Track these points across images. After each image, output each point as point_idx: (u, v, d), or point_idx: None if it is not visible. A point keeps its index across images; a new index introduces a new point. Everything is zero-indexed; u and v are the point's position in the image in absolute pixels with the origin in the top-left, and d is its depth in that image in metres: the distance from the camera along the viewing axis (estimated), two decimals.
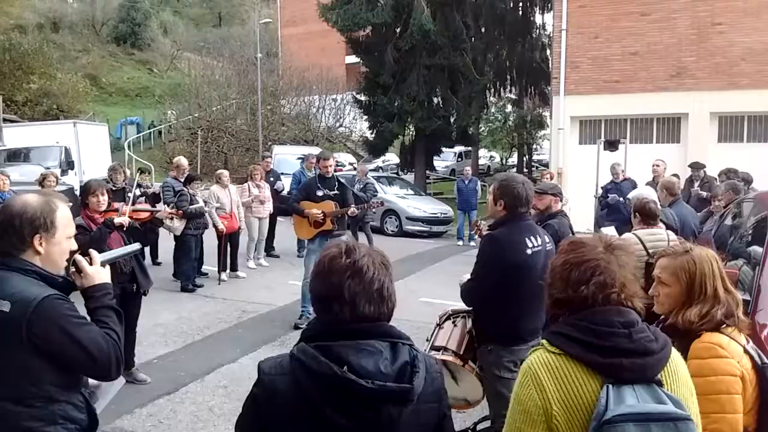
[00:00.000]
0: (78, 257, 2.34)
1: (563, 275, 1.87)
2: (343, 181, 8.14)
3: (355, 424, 1.64)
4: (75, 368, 2.22)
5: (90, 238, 5.00)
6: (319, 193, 7.68)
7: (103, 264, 2.40)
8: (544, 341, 1.86)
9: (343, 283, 1.70)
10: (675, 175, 10.86)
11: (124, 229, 5.51)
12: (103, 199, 5.44)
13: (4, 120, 24.25)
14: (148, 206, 6.40)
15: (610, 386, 1.71)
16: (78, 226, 5.08)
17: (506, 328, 3.69)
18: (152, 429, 5.02)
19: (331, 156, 8.23)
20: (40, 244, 2.23)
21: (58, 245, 2.30)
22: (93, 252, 2.39)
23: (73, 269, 2.34)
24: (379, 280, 1.73)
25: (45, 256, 2.26)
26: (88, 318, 2.27)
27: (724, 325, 2.32)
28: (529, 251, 3.63)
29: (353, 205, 7.83)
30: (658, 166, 10.06)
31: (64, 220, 2.32)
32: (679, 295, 2.40)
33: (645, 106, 16.03)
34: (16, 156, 18.96)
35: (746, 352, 2.30)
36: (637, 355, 1.74)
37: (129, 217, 5.70)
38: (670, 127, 16.55)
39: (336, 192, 7.73)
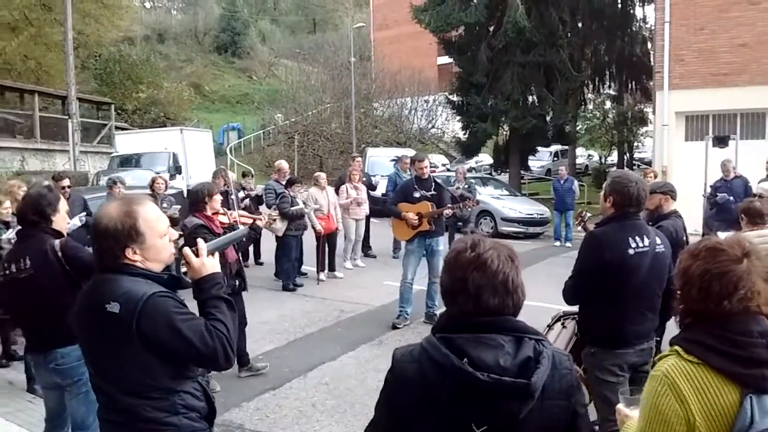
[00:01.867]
0: (185, 250, 2.39)
1: (702, 286, 1.79)
2: (440, 181, 8.16)
3: (474, 417, 1.66)
4: (184, 361, 2.28)
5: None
6: (416, 195, 7.74)
7: (211, 252, 2.43)
8: (677, 348, 1.80)
9: (467, 276, 1.73)
10: None
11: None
12: (219, 199, 5.77)
13: (116, 128, 25.84)
14: (249, 214, 6.74)
15: (753, 397, 1.66)
16: (201, 226, 5.45)
17: (609, 330, 3.57)
18: (259, 423, 5.20)
19: (426, 157, 8.27)
20: (134, 253, 2.29)
21: (153, 247, 2.33)
22: (200, 242, 2.42)
23: (183, 261, 2.41)
24: (504, 272, 1.74)
25: (143, 261, 2.31)
26: (197, 312, 2.34)
27: None
28: (631, 251, 3.50)
29: (449, 205, 7.84)
30: None
31: (150, 223, 2.32)
32: None
33: (756, 100, 15.13)
34: (128, 162, 20.13)
35: None
36: None
37: (234, 221, 6.00)
38: None
39: (433, 193, 7.77)
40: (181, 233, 5.01)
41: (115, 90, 31.97)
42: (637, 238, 3.53)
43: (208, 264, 2.38)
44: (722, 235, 5.33)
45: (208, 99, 42.06)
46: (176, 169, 19.54)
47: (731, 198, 9.79)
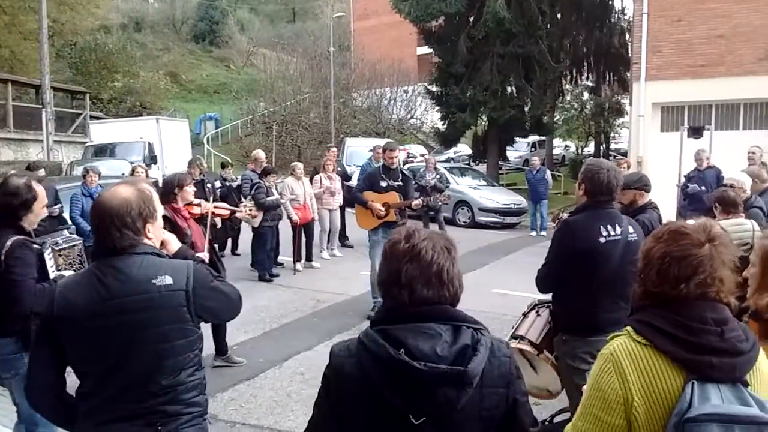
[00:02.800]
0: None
1: (661, 269, 1.77)
2: (407, 173, 8.12)
3: (414, 406, 1.65)
4: (222, 316, 2.61)
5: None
6: (383, 184, 7.68)
7: None
8: (629, 329, 1.79)
9: (401, 268, 1.73)
10: (763, 163, 10.34)
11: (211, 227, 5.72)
12: (192, 190, 5.66)
13: (91, 117, 25.48)
14: (227, 205, 6.59)
15: (695, 383, 1.65)
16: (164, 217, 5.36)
17: (581, 317, 3.59)
18: (233, 413, 5.17)
19: (397, 147, 8.19)
20: (149, 231, 2.33)
21: (159, 227, 2.41)
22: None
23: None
24: (438, 263, 1.73)
25: (154, 240, 2.38)
26: None
27: None
28: (602, 239, 3.50)
29: (417, 199, 7.82)
30: (754, 153, 9.47)
31: (158, 202, 2.41)
32: (758, 276, 2.31)
33: (731, 91, 15.29)
34: (103, 151, 19.88)
35: None
36: (728, 355, 1.68)
37: (210, 213, 5.90)
38: (758, 113, 15.74)
39: (400, 183, 7.72)
40: None
41: (91, 79, 31.50)
42: (609, 227, 3.53)
43: (174, 238, 2.62)
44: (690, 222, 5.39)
45: (185, 88, 41.63)
46: (152, 159, 19.36)
47: (703, 188, 9.90)
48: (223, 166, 12.48)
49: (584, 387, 2.10)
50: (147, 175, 9.81)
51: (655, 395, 1.69)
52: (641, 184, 5.08)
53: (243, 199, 10.10)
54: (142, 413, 2.21)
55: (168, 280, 2.20)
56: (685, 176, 11.03)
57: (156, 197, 2.39)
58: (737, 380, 1.67)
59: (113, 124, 24.92)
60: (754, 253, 2.38)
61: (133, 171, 9.37)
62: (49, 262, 3.69)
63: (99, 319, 2.16)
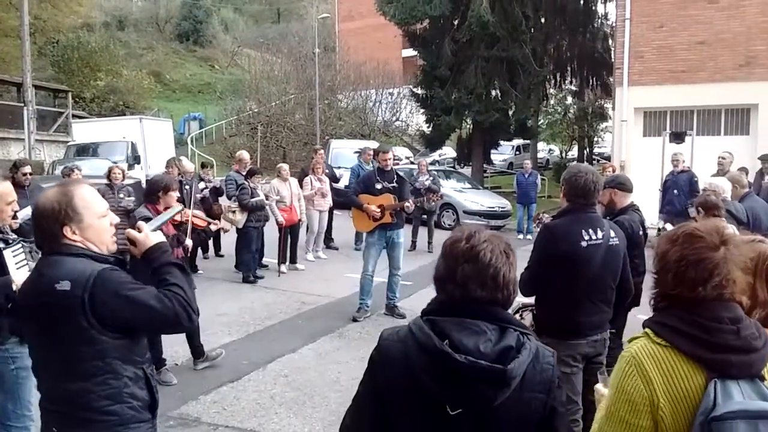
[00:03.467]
0: (127, 231, 2.43)
1: (678, 272, 1.81)
2: (402, 174, 8.16)
3: (452, 398, 1.69)
4: (143, 328, 2.34)
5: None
6: (378, 186, 7.73)
7: (153, 231, 2.50)
8: (648, 331, 1.83)
9: (457, 267, 1.76)
10: (742, 168, 10.49)
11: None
12: (176, 195, 5.65)
13: (73, 116, 25.26)
14: (203, 215, 6.58)
15: (718, 381, 1.69)
16: (146, 218, 5.33)
17: (562, 321, 3.63)
18: (216, 415, 5.15)
19: (390, 149, 8.27)
20: (73, 232, 2.29)
21: (91, 228, 2.33)
22: (140, 223, 2.49)
23: (125, 246, 2.47)
24: (496, 267, 1.76)
25: (84, 241, 2.31)
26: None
27: None
28: (584, 243, 3.55)
29: (410, 199, 7.85)
30: (723, 159, 9.66)
31: (85, 203, 2.34)
32: None
33: (712, 97, 15.47)
34: (85, 151, 19.68)
35: None
36: (744, 352, 1.73)
37: (186, 220, 5.89)
38: (738, 119, 15.94)
39: (395, 185, 7.76)
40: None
41: (73, 77, 31.20)
42: (591, 231, 3.58)
43: (152, 236, 2.43)
44: (668, 227, 5.38)
45: (169, 88, 41.33)
46: (135, 159, 19.21)
47: (675, 191, 10.08)
48: (203, 166, 12.42)
49: (601, 391, 2.13)
50: (124, 176, 9.75)
51: (680, 395, 1.72)
52: (616, 182, 5.12)
53: (221, 200, 10.09)
54: (56, 414, 2.29)
55: (66, 285, 2.18)
56: (663, 180, 11.20)
57: (81, 200, 2.32)
58: (755, 376, 1.73)
59: (96, 123, 24.68)
60: None
61: (110, 172, 9.30)
62: (11, 261, 3.63)
63: (26, 317, 2.35)
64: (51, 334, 2.23)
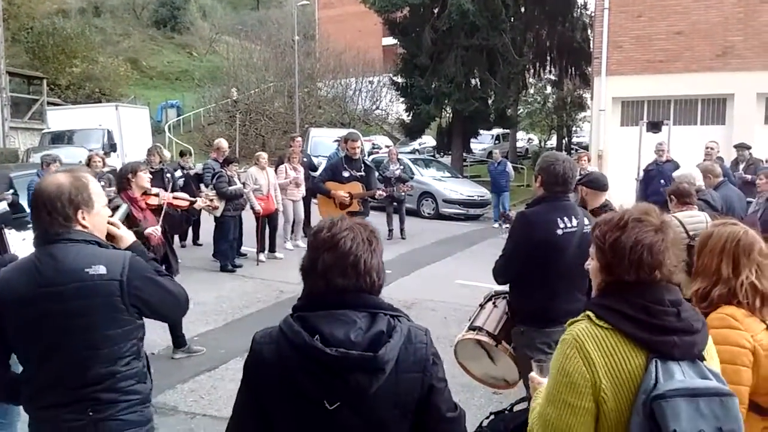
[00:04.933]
0: (108, 228, 2.51)
1: (633, 257, 1.80)
2: (369, 163, 8.14)
3: (327, 392, 1.68)
4: (161, 311, 2.46)
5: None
6: (345, 174, 7.69)
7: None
8: (590, 313, 1.84)
9: (318, 257, 1.76)
10: (718, 157, 10.61)
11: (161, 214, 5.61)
12: (147, 177, 5.56)
13: (48, 103, 24.87)
14: (187, 195, 6.48)
15: (658, 361, 1.72)
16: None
17: (538, 308, 3.64)
18: (193, 404, 5.14)
19: (359, 137, 8.24)
20: (83, 218, 2.33)
21: (99, 215, 2.41)
22: (113, 219, 2.57)
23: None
24: (356, 254, 1.75)
25: (91, 228, 2.36)
26: None
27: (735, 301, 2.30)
28: (559, 231, 3.56)
29: (379, 189, 7.85)
30: (711, 148, 9.71)
31: (98, 191, 2.43)
32: (694, 264, 2.40)
33: (689, 87, 15.64)
34: (60, 138, 19.42)
35: None
36: (686, 333, 1.76)
37: (168, 204, 5.79)
38: (715, 109, 16.13)
39: (362, 174, 7.74)
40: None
41: (48, 64, 30.64)
42: (566, 219, 3.60)
43: (128, 233, 2.60)
44: None
45: (146, 75, 40.77)
46: (111, 147, 18.99)
47: (662, 181, 10.13)
48: (182, 154, 12.31)
49: (537, 379, 2.15)
50: (104, 164, 9.64)
51: (621, 376, 1.75)
52: (587, 180, 4.96)
53: (202, 188, 9.99)
54: (77, 400, 2.26)
55: (102, 269, 2.22)
56: (644, 170, 11.27)
57: (93, 186, 2.40)
58: (696, 356, 1.76)
59: (71, 110, 24.32)
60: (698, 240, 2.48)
61: (90, 160, 9.18)
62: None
63: (32, 305, 2.21)
64: (79, 319, 2.23)
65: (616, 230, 1.87)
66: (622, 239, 1.84)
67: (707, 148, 9.77)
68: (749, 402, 2.20)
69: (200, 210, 6.77)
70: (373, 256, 1.79)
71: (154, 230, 5.35)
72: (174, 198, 6.02)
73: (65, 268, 2.22)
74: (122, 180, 5.49)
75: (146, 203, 5.54)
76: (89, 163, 9.14)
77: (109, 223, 2.51)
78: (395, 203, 12.86)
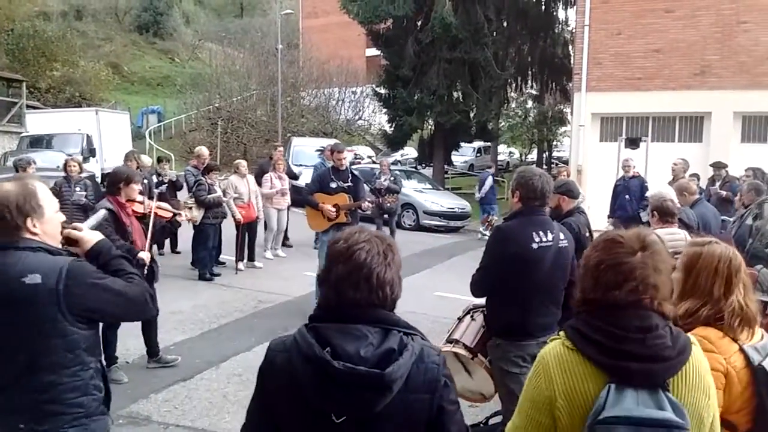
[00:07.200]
0: (66, 231, 2.46)
1: (595, 275, 1.85)
2: (357, 173, 8.15)
3: (334, 406, 1.68)
4: (114, 316, 2.43)
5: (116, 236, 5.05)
6: (333, 185, 7.69)
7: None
8: (562, 333, 1.89)
9: (332, 268, 1.76)
10: (694, 174, 10.78)
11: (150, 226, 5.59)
12: (138, 188, 5.57)
13: (27, 106, 24.58)
14: (170, 207, 6.45)
15: (612, 387, 1.73)
16: (109, 211, 5.23)
17: (513, 322, 3.67)
18: (167, 414, 5.08)
19: (345, 148, 8.25)
20: (34, 225, 2.32)
21: (50, 222, 2.38)
22: (77, 224, 2.54)
23: (65, 245, 2.47)
24: (369, 267, 1.74)
25: (42, 235, 2.34)
26: None
27: (718, 321, 2.31)
28: (535, 245, 3.60)
29: (368, 199, 7.85)
30: (676, 165, 9.91)
31: (46, 196, 2.40)
32: (679, 284, 2.41)
33: (667, 104, 15.85)
34: (39, 142, 19.20)
35: (741, 350, 2.28)
36: (648, 361, 1.75)
37: (153, 213, 5.76)
38: (692, 126, 16.35)
39: (350, 184, 7.74)
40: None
41: (28, 67, 30.29)
42: (541, 233, 3.63)
43: (92, 234, 2.52)
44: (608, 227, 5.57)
45: (127, 80, 40.47)
46: (90, 152, 18.82)
47: (627, 196, 10.30)
48: (159, 160, 12.22)
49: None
50: (81, 169, 9.53)
51: (577, 396, 1.78)
52: (564, 189, 5.30)
53: (178, 196, 9.92)
54: (18, 409, 2.24)
55: (37, 278, 2.19)
56: (614, 185, 11.42)
57: (42, 193, 2.38)
58: (656, 385, 1.74)
59: (50, 114, 24.07)
60: (680, 259, 2.48)
61: (66, 164, 9.08)
62: None
63: None
64: (17, 328, 2.21)
65: (590, 249, 1.94)
66: (591, 258, 1.90)
67: (673, 164, 9.91)
68: (722, 420, 2.22)
69: (179, 224, 6.70)
70: (387, 270, 1.77)
71: (144, 249, 5.30)
72: (158, 208, 6.00)
73: (5, 277, 2.21)
74: (114, 184, 5.47)
75: (132, 210, 5.52)
76: (65, 167, 9.04)
77: (69, 228, 2.48)
78: (385, 215, 12.87)
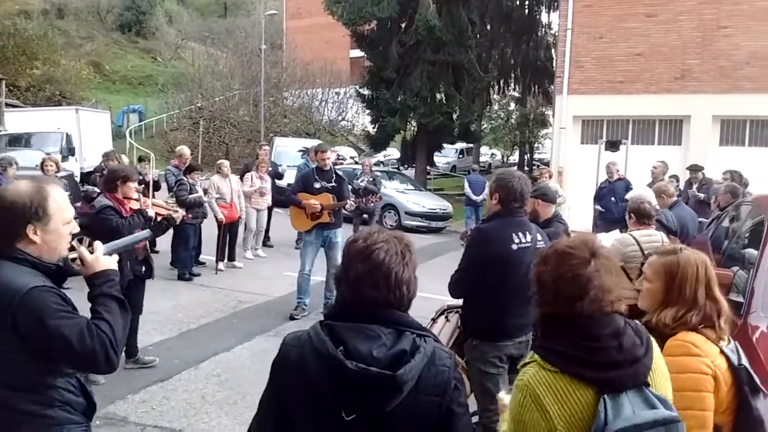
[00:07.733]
0: (80, 249, 2.29)
1: (554, 289, 1.84)
2: (341, 174, 8.15)
3: (345, 404, 1.69)
4: (57, 359, 2.16)
5: (125, 222, 5.31)
6: (317, 186, 7.69)
7: (110, 253, 2.36)
8: (537, 357, 1.85)
9: (351, 266, 1.77)
10: (674, 176, 10.90)
11: (151, 222, 5.68)
12: (134, 186, 5.64)
13: (7, 105, 24.26)
14: (165, 204, 6.46)
15: (607, 398, 1.73)
16: (108, 207, 5.34)
17: (491, 322, 3.69)
18: (144, 415, 5.03)
19: (329, 149, 8.24)
20: (35, 233, 2.19)
21: (54, 232, 2.23)
22: (97, 243, 2.36)
23: (75, 257, 2.31)
24: (389, 266, 1.76)
25: (41, 245, 2.20)
26: (79, 311, 2.21)
27: (702, 326, 2.34)
28: (514, 246, 3.62)
29: (350, 199, 7.85)
30: (655, 168, 10.01)
31: (58, 206, 2.25)
32: (659, 293, 2.43)
33: (647, 108, 15.99)
34: (18, 141, 18.93)
35: (722, 353, 2.32)
36: (629, 364, 1.77)
37: (146, 206, 5.80)
38: (672, 129, 16.51)
39: (334, 185, 7.74)
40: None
41: (8, 65, 29.89)
42: (520, 234, 3.66)
43: (103, 260, 2.30)
44: (606, 236, 5.54)
45: (109, 79, 40.13)
46: (69, 151, 18.57)
47: (612, 199, 10.37)
48: (140, 159, 12.12)
49: (504, 400, 2.17)
50: (58, 168, 9.42)
51: (575, 417, 1.76)
52: (539, 193, 5.25)
53: (156, 196, 9.83)
54: None
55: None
56: (598, 187, 11.50)
57: (53, 201, 2.23)
58: (640, 384, 1.78)
59: (30, 113, 23.73)
60: (652, 269, 2.48)
61: (43, 163, 8.97)
62: None
63: None
64: None
65: (540, 264, 1.93)
66: (544, 274, 1.88)
67: (652, 168, 10.01)
68: None
69: (175, 222, 6.67)
70: (405, 270, 1.79)
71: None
72: (154, 206, 6.05)
73: None
74: (111, 182, 5.55)
75: (129, 208, 5.57)
76: (42, 167, 8.94)
77: (84, 246, 2.32)
78: (364, 215, 12.86)
